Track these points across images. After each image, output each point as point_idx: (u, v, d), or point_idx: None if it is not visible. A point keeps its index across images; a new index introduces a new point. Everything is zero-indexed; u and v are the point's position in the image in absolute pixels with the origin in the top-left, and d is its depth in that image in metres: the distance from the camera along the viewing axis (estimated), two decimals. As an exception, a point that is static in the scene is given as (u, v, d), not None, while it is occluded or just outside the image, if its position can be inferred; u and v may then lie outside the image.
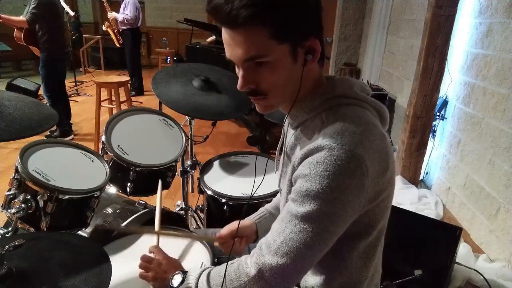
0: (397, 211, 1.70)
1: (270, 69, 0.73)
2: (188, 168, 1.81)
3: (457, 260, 1.72)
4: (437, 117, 2.61)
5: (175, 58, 8.10)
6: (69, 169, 1.25)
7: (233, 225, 1.06)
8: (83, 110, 4.90)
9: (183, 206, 1.88)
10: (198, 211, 1.86)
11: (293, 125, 0.85)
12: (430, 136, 2.65)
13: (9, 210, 1.12)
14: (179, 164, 1.71)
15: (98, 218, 1.39)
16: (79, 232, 1.28)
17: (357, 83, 0.82)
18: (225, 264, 0.81)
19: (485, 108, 2.07)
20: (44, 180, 1.11)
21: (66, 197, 1.14)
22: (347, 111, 0.75)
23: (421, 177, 2.78)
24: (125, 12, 5.39)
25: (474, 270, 1.76)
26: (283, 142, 0.94)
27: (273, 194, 1.50)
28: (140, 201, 1.53)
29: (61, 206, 1.13)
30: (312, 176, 0.68)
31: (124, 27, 5.50)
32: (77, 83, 6.09)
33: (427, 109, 2.53)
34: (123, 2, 5.45)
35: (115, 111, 2.91)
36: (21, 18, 3.46)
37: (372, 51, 4.61)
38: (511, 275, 1.73)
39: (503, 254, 1.83)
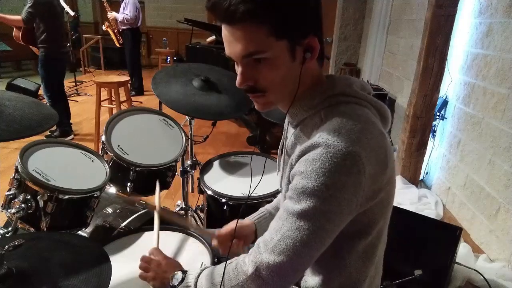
0: (397, 211, 1.70)
1: (269, 66, 0.73)
2: (188, 168, 1.81)
3: (457, 260, 1.72)
4: (437, 117, 2.61)
5: (175, 58, 8.10)
6: (69, 169, 1.25)
7: (232, 225, 1.06)
8: (83, 110, 4.90)
9: (183, 206, 1.88)
10: (198, 211, 1.86)
11: (293, 124, 0.84)
12: (430, 136, 2.65)
13: (9, 210, 1.12)
14: (179, 164, 1.71)
15: (98, 218, 1.39)
16: (79, 232, 1.28)
17: (357, 82, 0.82)
18: (224, 263, 0.81)
19: (485, 108, 2.07)
20: (44, 180, 1.11)
21: (66, 197, 1.14)
22: (346, 109, 0.75)
23: (421, 177, 2.78)
24: (125, 12, 5.39)
25: (474, 270, 1.76)
26: (283, 142, 0.94)
27: (273, 194, 1.50)
28: (140, 201, 1.53)
29: (61, 206, 1.13)
30: (308, 173, 0.68)
31: (124, 27, 5.50)
32: (77, 83, 6.09)
33: (427, 109, 2.53)
34: (123, 2, 5.45)
35: (115, 111, 2.91)
36: (17, 17, 3.45)
37: (372, 51, 4.61)
38: (511, 275, 1.73)
39: (503, 254, 1.83)
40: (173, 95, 1.53)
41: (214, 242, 1.07)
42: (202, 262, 1.08)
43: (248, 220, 1.10)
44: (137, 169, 1.45)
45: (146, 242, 1.17)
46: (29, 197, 1.10)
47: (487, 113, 2.04)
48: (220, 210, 1.49)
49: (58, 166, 1.22)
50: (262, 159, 1.75)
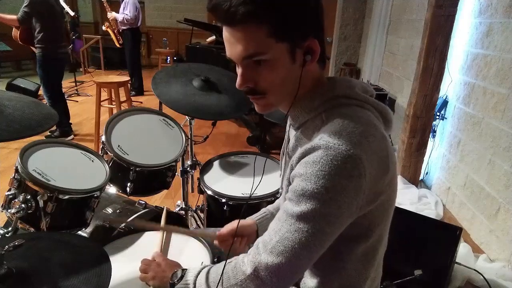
0: (397, 211, 1.69)
1: (269, 68, 0.73)
2: (188, 168, 1.81)
3: (457, 260, 1.72)
4: (437, 117, 2.61)
5: (175, 58, 8.10)
6: (69, 169, 1.25)
7: (233, 224, 1.06)
8: (83, 110, 4.90)
9: (183, 206, 1.88)
10: (198, 211, 1.86)
11: (295, 126, 0.84)
12: (430, 136, 2.65)
13: (9, 210, 1.12)
14: (179, 164, 1.71)
15: (98, 218, 1.39)
16: (79, 232, 1.28)
17: (359, 84, 0.81)
18: (223, 262, 0.81)
19: (485, 108, 2.07)
20: (44, 180, 1.11)
21: (66, 197, 1.13)
22: (347, 111, 0.75)
23: (421, 177, 2.78)
24: (124, 12, 5.39)
25: (474, 270, 1.77)
26: (285, 144, 0.94)
27: (273, 194, 1.50)
28: (140, 201, 1.53)
29: (61, 206, 1.13)
30: (307, 176, 0.68)
31: (124, 27, 5.50)
32: (77, 83, 6.09)
33: (427, 109, 2.53)
34: (123, 2, 5.45)
35: (115, 111, 2.91)
36: (13, 16, 3.44)
37: (372, 51, 4.61)
38: (511, 275, 1.73)
39: (503, 254, 1.83)
40: (173, 95, 1.53)
41: (216, 242, 1.07)
42: (202, 262, 1.08)
43: (250, 220, 1.10)
44: (137, 169, 1.45)
45: (146, 242, 1.17)
46: (29, 197, 1.10)
47: (487, 113, 2.04)
48: (220, 210, 1.49)
49: (58, 166, 1.22)
50: (262, 159, 1.75)
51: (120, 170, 1.45)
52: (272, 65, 0.73)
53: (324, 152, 0.67)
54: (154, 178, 1.55)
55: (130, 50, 5.68)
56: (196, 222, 1.94)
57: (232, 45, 0.73)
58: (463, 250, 1.87)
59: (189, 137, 1.76)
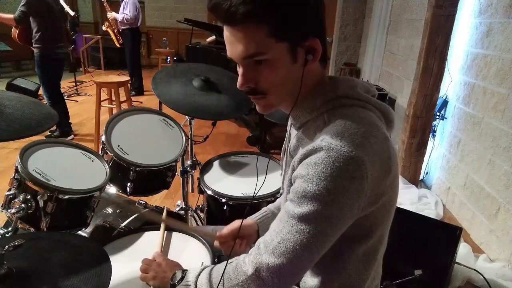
0: (397, 211, 1.69)
1: (270, 68, 0.73)
2: (188, 168, 1.81)
3: (457, 260, 1.72)
4: (437, 117, 2.61)
5: (175, 58, 8.10)
6: (69, 169, 1.25)
7: (234, 225, 1.06)
8: (83, 110, 4.90)
9: (183, 206, 1.88)
10: (198, 211, 1.86)
11: (296, 126, 0.84)
12: (430, 136, 2.65)
13: (9, 210, 1.12)
14: (179, 164, 1.71)
15: (98, 218, 1.39)
16: (79, 232, 1.28)
17: (361, 84, 0.81)
18: (224, 262, 0.81)
19: (485, 108, 2.07)
20: (44, 180, 1.11)
21: (66, 197, 1.13)
22: (349, 111, 0.74)
23: (421, 177, 2.78)
24: (124, 12, 5.39)
25: (474, 270, 1.77)
26: (286, 143, 0.94)
27: (273, 194, 1.50)
28: (140, 201, 1.53)
29: (61, 206, 1.13)
30: (309, 177, 0.68)
31: (124, 27, 5.49)
32: (77, 83, 6.09)
33: (427, 109, 2.53)
34: (123, 2, 5.45)
35: (115, 111, 2.91)
36: (10, 15, 3.42)
37: (372, 51, 4.61)
38: (511, 275, 1.73)
39: (503, 254, 1.83)
40: (173, 95, 1.53)
41: (216, 243, 1.07)
42: (202, 262, 1.08)
43: (251, 219, 1.10)
44: (137, 169, 1.45)
45: (146, 242, 1.17)
46: (29, 197, 1.10)
47: (487, 113, 2.04)
48: (220, 210, 1.49)
49: (58, 166, 1.22)
50: (263, 159, 1.74)
51: (120, 170, 1.45)
52: (273, 65, 0.73)
53: (326, 154, 0.67)
54: (154, 178, 1.55)
55: (130, 50, 5.68)
56: (196, 222, 1.94)
57: (233, 44, 0.73)
58: (463, 250, 1.87)
59: (189, 137, 1.76)
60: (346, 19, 5.38)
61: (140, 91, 5.98)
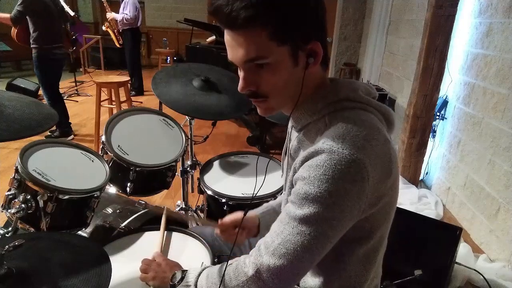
0: (397, 211, 1.69)
1: (271, 71, 0.73)
2: (188, 168, 1.81)
3: (457, 260, 1.72)
4: (437, 117, 2.61)
5: (175, 58, 8.10)
6: (69, 169, 1.25)
7: (236, 215, 1.06)
8: (83, 110, 4.90)
9: (183, 206, 1.88)
10: (198, 211, 1.86)
11: (297, 128, 0.84)
12: (430, 136, 2.65)
13: (9, 210, 1.12)
14: (179, 164, 1.71)
15: (98, 218, 1.39)
16: (79, 232, 1.28)
17: (362, 86, 0.81)
18: (224, 263, 0.81)
19: (485, 108, 2.07)
20: (44, 180, 1.11)
21: (66, 197, 1.13)
22: (351, 114, 0.74)
23: (421, 177, 2.78)
24: (124, 12, 5.39)
25: (474, 270, 1.77)
26: (287, 144, 0.94)
27: (273, 195, 1.50)
28: (140, 201, 1.53)
29: (61, 206, 1.13)
30: (311, 179, 0.68)
31: (124, 27, 5.49)
32: (77, 83, 6.09)
33: (427, 109, 2.53)
34: (123, 2, 5.45)
35: (115, 111, 2.92)
36: (7, 15, 3.39)
37: (372, 51, 4.61)
38: (511, 275, 1.73)
39: (503, 254, 1.83)
40: (173, 95, 1.53)
41: (217, 231, 1.07)
42: (202, 262, 1.08)
43: (253, 213, 1.11)
44: (137, 169, 1.45)
45: (146, 242, 1.17)
46: (29, 197, 1.10)
47: (487, 113, 2.04)
48: (220, 210, 1.49)
49: (58, 166, 1.22)
50: (264, 160, 1.74)
51: (120, 170, 1.45)
52: (274, 68, 0.73)
53: (328, 156, 0.67)
54: (154, 178, 1.55)
55: (130, 50, 5.68)
56: (196, 222, 1.94)
57: (234, 48, 0.73)
58: (463, 250, 1.87)
59: (189, 137, 1.76)
60: (346, 19, 5.38)
61: (140, 91, 5.98)
